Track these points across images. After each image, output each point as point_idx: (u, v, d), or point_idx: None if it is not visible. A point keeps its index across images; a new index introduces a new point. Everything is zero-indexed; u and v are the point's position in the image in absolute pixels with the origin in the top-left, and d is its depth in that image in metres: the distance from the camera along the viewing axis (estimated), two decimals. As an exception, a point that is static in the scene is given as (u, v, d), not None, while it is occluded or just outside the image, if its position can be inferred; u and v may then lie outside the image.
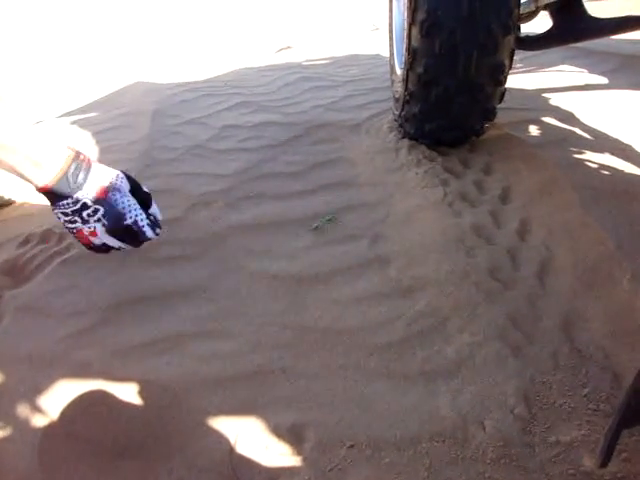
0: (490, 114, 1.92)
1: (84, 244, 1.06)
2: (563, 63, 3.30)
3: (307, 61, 4.28)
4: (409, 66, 1.80)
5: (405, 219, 1.72)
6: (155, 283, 1.52)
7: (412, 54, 1.79)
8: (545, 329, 1.26)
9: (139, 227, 1.06)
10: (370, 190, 1.93)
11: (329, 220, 1.76)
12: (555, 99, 2.60)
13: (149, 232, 1.08)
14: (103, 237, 1.04)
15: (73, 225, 1.01)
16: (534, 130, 2.18)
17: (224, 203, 1.90)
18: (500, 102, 1.91)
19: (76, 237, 1.04)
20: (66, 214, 0.99)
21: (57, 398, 1.16)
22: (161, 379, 1.19)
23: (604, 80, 2.79)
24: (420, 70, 1.77)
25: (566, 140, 1.99)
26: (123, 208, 1.03)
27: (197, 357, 1.26)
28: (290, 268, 1.55)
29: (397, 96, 2.13)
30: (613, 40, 3.30)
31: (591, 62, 3.20)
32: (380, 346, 1.25)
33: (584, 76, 2.96)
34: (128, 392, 1.17)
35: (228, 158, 2.26)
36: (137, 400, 1.15)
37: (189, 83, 3.69)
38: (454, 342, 1.24)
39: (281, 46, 5.07)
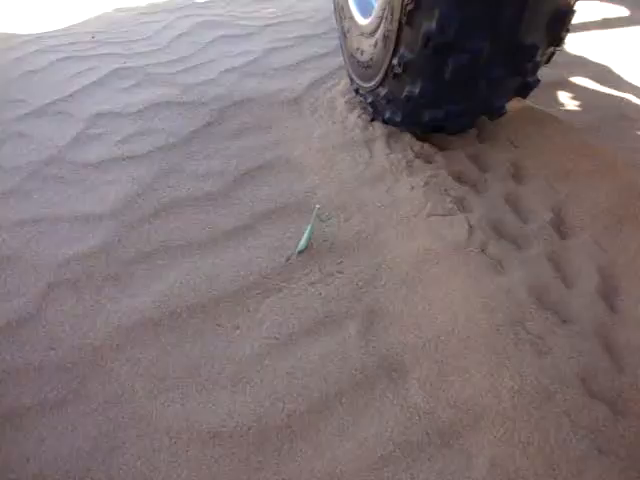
0: (529, 89, 1.29)
1: None
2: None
3: (201, -3, 3.39)
4: (406, 18, 1.11)
5: (412, 278, 1.12)
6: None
7: None
8: None
9: None
10: (341, 220, 1.29)
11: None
12: (575, 45, 1.97)
13: None
14: None
15: None
16: (568, 100, 1.58)
17: (103, 276, 1.20)
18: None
19: None
20: None
21: None
22: None
23: (624, 12, 2.19)
24: (430, 26, 1.09)
25: (625, 117, 1.42)
26: None
27: None
28: (240, 412, 0.93)
29: (365, 59, 1.44)
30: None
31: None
32: None
33: (599, 7, 2.31)
34: None
35: (103, 179, 1.49)
36: None
37: (40, 37, 2.70)
38: None
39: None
